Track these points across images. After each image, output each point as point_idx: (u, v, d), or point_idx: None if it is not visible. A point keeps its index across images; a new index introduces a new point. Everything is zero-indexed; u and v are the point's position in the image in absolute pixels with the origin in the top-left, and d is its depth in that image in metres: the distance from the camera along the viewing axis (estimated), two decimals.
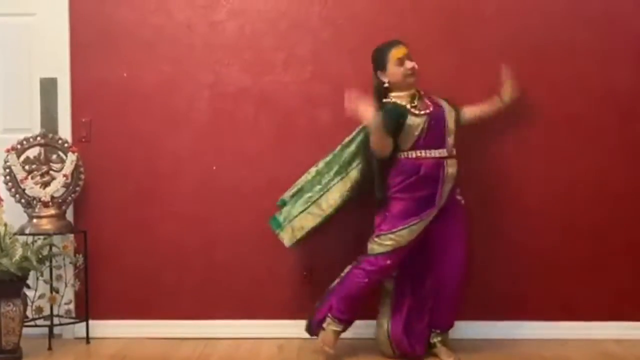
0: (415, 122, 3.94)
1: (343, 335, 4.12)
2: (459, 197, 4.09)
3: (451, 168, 3.98)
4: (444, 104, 4.07)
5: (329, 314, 4.05)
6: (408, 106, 3.97)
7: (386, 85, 4.01)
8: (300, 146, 4.45)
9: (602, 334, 4.38)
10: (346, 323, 4.07)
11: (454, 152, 4.02)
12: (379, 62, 4.03)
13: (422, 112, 3.96)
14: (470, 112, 4.18)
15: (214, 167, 4.48)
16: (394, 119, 3.91)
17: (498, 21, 4.42)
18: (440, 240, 4.04)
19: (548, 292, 4.42)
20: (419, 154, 3.95)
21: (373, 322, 4.20)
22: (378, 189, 4.02)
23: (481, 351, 4.20)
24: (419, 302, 4.12)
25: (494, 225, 4.42)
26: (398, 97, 4.00)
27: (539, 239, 4.42)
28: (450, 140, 4.00)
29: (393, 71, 3.99)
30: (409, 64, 3.98)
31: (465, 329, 4.36)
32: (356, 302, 4.03)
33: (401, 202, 3.94)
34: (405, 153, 3.97)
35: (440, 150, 3.96)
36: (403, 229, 3.91)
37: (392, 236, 3.92)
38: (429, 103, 4.03)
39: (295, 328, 4.39)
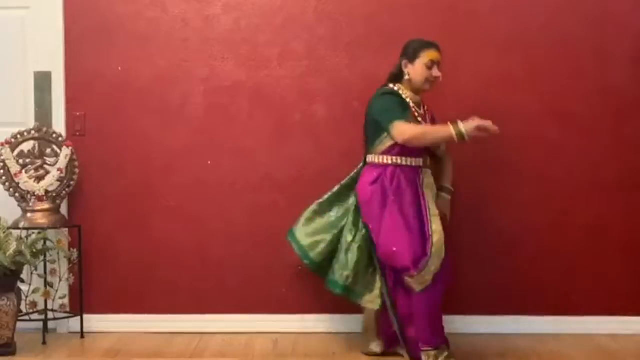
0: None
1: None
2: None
3: (429, 178, 3.97)
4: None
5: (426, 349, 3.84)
6: (411, 104, 3.91)
7: (407, 77, 3.92)
8: (296, 141, 4.45)
9: (598, 329, 4.39)
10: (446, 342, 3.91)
11: (428, 163, 4.01)
12: (411, 52, 3.91)
13: (420, 121, 3.90)
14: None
15: (209, 162, 4.47)
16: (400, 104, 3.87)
17: (493, 18, 4.42)
18: None
19: (543, 287, 4.43)
20: (394, 160, 3.88)
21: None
22: None
23: (476, 346, 4.20)
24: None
25: (490, 221, 4.42)
26: (405, 94, 3.93)
27: (535, 235, 4.43)
28: (426, 153, 3.97)
29: (419, 70, 3.90)
30: (436, 72, 3.90)
31: (461, 324, 4.37)
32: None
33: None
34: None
35: (417, 160, 3.91)
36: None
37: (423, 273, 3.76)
38: (428, 117, 4.00)
39: (290, 322, 4.41)
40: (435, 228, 3.77)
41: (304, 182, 4.42)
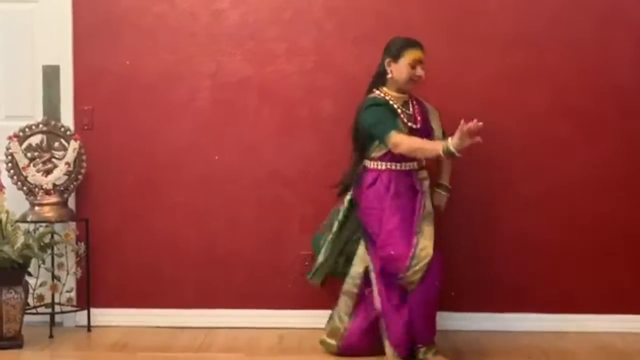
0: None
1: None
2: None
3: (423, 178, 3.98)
4: (434, 121, 4.01)
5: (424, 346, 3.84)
6: (399, 110, 3.91)
7: (389, 76, 3.94)
8: (303, 137, 4.44)
9: (602, 327, 4.38)
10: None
11: (423, 163, 3.99)
12: (394, 52, 3.92)
13: (409, 125, 3.89)
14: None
15: (216, 157, 4.47)
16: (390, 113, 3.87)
17: (501, 14, 4.40)
18: None
19: (548, 284, 4.42)
20: (388, 166, 3.90)
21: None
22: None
23: (481, 343, 4.20)
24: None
25: (494, 218, 4.41)
26: (391, 96, 3.92)
27: (539, 232, 4.42)
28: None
29: (402, 69, 3.90)
30: (419, 71, 3.90)
31: (465, 321, 4.38)
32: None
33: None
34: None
35: (410, 164, 3.92)
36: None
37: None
38: (419, 117, 3.96)
39: (296, 318, 4.42)
40: (423, 244, 3.76)
41: (310, 178, 4.42)
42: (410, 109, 3.97)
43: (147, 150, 4.49)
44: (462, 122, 3.59)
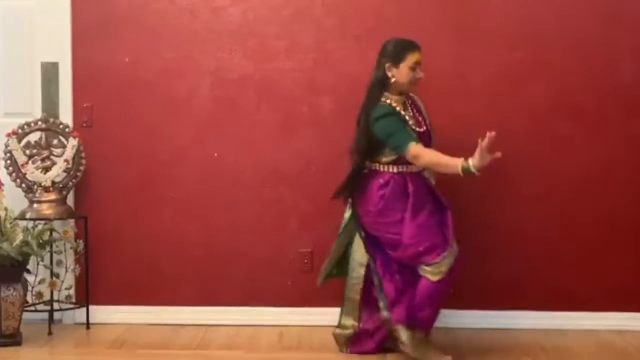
0: None
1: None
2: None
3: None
4: (426, 119, 4.01)
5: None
6: (406, 116, 3.90)
7: (392, 80, 3.88)
8: (303, 134, 4.44)
9: (603, 325, 4.38)
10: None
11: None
12: (394, 56, 3.88)
13: (416, 130, 3.90)
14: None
15: (216, 154, 4.47)
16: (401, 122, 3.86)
17: (503, 12, 4.40)
18: None
19: (548, 281, 4.42)
20: (398, 169, 3.90)
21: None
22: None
23: (481, 341, 4.20)
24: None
25: (495, 216, 4.41)
26: (392, 100, 3.90)
27: (540, 229, 4.42)
28: None
29: (404, 72, 3.87)
30: (419, 73, 3.89)
31: (465, 318, 4.38)
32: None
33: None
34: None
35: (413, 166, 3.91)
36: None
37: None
38: (420, 119, 3.97)
39: (296, 315, 4.41)
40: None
41: (310, 176, 4.42)
42: (410, 111, 3.97)
43: (146, 148, 4.48)
44: (479, 141, 3.61)
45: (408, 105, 3.99)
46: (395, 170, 3.89)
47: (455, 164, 3.70)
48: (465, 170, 3.65)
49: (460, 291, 4.27)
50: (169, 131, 4.47)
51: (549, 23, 4.39)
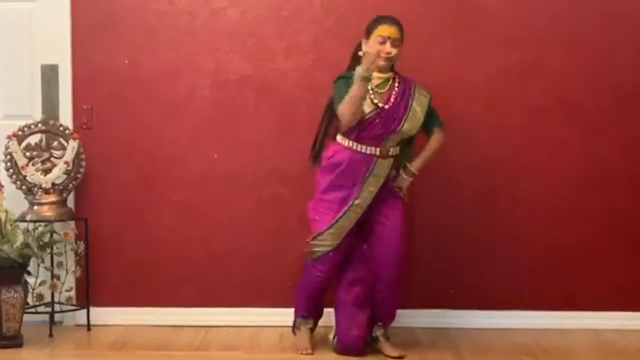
0: (365, 110, 3.82)
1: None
2: (396, 189, 3.99)
3: (380, 169, 3.89)
4: (419, 105, 3.88)
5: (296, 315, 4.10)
6: (371, 87, 3.82)
7: (360, 53, 3.83)
8: (302, 135, 4.41)
9: (603, 324, 4.39)
10: (315, 317, 4.10)
11: (392, 153, 3.91)
12: (367, 29, 3.85)
13: (375, 103, 3.83)
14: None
15: (215, 155, 4.47)
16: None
17: (503, 12, 4.39)
18: (376, 230, 3.93)
19: (548, 282, 4.43)
20: (349, 144, 3.88)
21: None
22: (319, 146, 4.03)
23: (481, 341, 4.20)
24: (360, 296, 3.97)
25: (496, 215, 4.42)
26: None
27: (540, 229, 4.42)
28: (391, 142, 3.88)
29: (372, 45, 3.81)
30: (386, 48, 3.79)
31: (464, 319, 4.38)
32: (318, 297, 4.05)
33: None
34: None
35: (372, 149, 3.86)
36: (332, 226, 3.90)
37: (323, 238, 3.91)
38: (395, 98, 3.85)
39: None
40: (341, 223, 3.89)
41: (310, 176, 4.40)
42: (386, 89, 3.87)
43: (146, 149, 4.48)
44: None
45: (390, 84, 3.88)
46: (346, 144, 3.88)
47: (356, 82, 3.68)
48: (363, 77, 3.65)
49: (460, 291, 4.28)
50: (169, 132, 4.48)
51: (548, 23, 4.39)
